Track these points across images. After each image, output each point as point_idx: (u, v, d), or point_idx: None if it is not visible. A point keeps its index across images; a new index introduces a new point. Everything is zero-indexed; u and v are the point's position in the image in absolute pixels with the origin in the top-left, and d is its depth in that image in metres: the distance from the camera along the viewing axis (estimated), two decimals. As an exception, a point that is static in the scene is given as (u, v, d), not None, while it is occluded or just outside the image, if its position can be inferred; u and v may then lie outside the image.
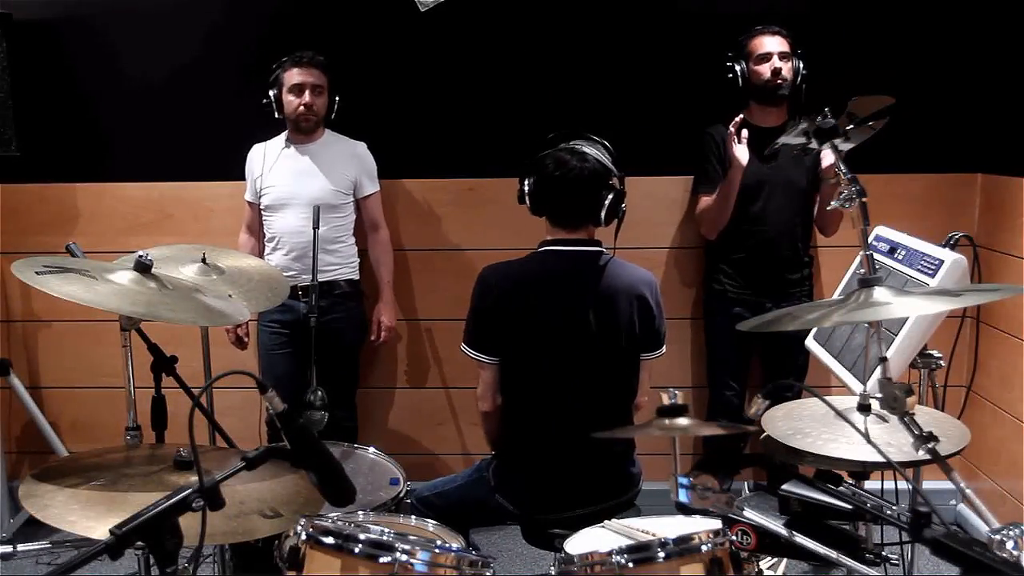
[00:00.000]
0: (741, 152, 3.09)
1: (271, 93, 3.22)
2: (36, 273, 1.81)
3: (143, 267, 1.94)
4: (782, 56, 3.15)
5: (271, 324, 3.28)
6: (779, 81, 3.15)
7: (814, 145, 1.98)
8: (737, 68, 3.22)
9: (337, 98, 3.28)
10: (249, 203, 3.37)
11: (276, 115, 3.22)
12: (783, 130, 3.06)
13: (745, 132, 3.09)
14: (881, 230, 2.55)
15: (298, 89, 3.16)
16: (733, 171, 3.12)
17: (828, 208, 2.79)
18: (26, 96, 3.48)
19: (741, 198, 3.20)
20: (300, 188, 3.22)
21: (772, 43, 3.16)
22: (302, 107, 3.17)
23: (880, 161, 2.99)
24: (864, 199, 1.84)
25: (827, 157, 2.83)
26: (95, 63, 3.55)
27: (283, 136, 3.32)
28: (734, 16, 3.32)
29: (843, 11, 3.43)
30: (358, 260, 3.40)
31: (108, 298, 1.83)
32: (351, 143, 3.34)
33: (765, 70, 3.15)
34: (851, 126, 1.98)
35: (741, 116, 3.10)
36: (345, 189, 3.29)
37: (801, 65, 3.18)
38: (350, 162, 3.30)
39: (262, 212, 3.31)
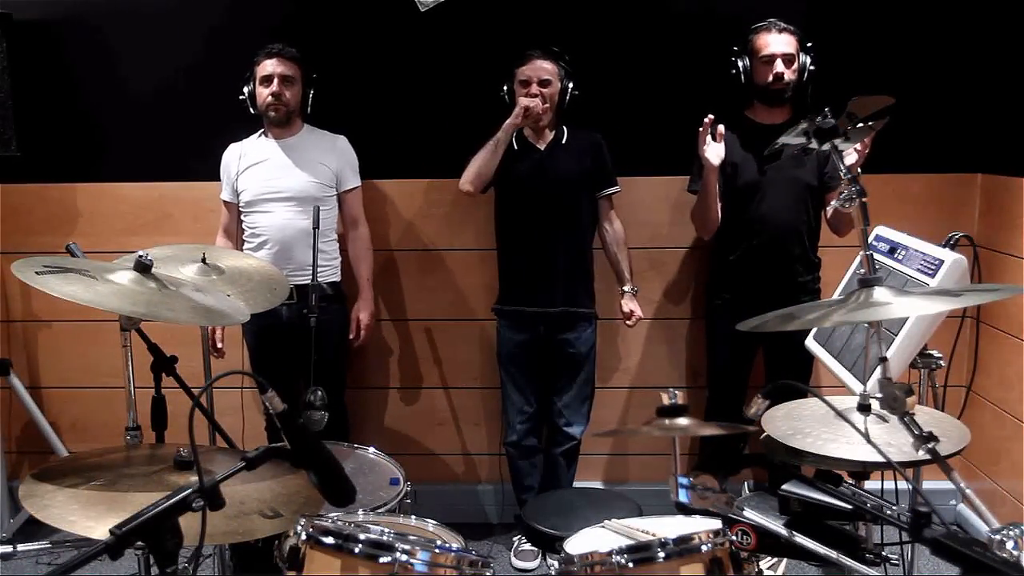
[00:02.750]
0: (711, 153, 3.06)
1: (246, 89, 3.21)
2: (36, 273, 1.81)
3: (143, 267, 1.94)
4: (787, 59, 3.11)
5: (252, 328, 3.23)
6: (780, 86, 3.12)
7: (814, 145, 1.98)
8: (740, 64, 3.19)
9: (312, 91, 3.27)
10: (227, 203, 3.33)
11: (251, 110, 3.21)
12: (785, 127, 3.07)
13: (721, 128, 3.06)
14: (881, 230, 2.55)
15: (267, 80, 3.16)
16: (706, 173, 3.10)
17: (832, 208, 2.77)
18: (26, 96, 3.49)
19: (742, 198, 3.18)
20: (280, 183, 3.19)
21: (778, 43, 3.11)
22: (270, 97, 3.16)
23: (880, 161, 2.98)
24: (864, 199, 1.84)
25: (850, 156, 2.76)
26: (95, 63, 3.55)
27: (259, 133, 3.30)
28: (734, 16, 3.32)
29: (843, 11, 3.43)
30: (340, 259, 3.36)
31: (108, 298, 1.83)
32: (331, 136, 3.31)
33: (767, 72, 3.12)
34: (851, 126, 1.98)
35: (711, 117, 3.04)
36: (327, 182, 3.24)
37: (808, 62, 3.15)
38: (330, 155, 3.26)
39: (241, 211, 3.27)
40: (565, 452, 3.38)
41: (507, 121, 3.13)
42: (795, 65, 3.13)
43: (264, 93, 3.17)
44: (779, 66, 3.11)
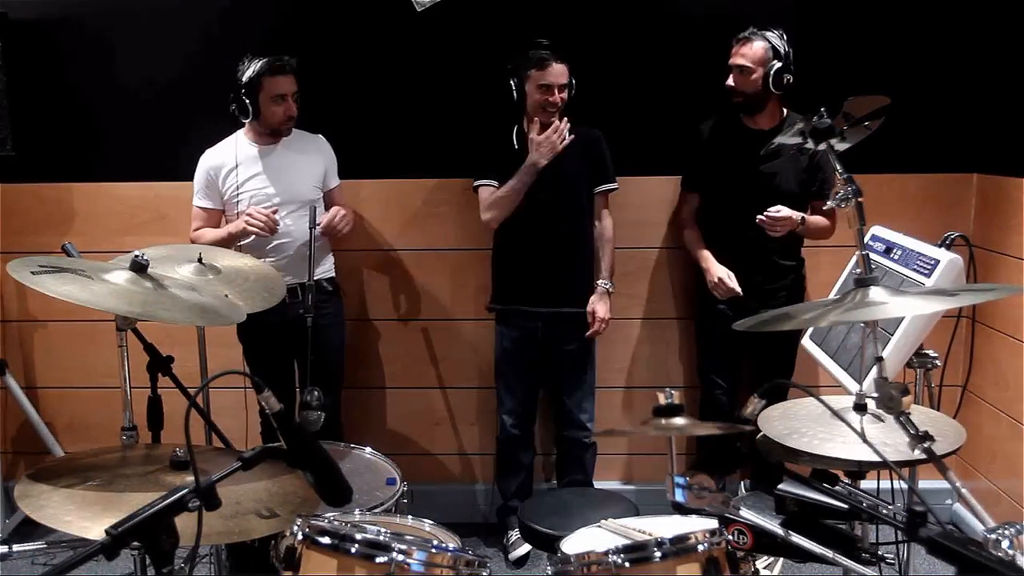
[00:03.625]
0: (718, 287, 3.21)
1: (246, 99, 3.11)
2: (32, 273, 1.81)
3: (139, 267, 1.94)
4: (742, 69, 3.14)
5: (250, 328, 3.22)
6: (736, 99, 3.18)
7: (810, 145, 1.99)
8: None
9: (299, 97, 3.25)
10: (208, 210, 3.24)
11: (245, 119, 3.15)
12: (775, 132, 3.09)
13: (738, 290, 3.16)
14: (877, 230, 2.55)
15: (281, 99, 3.13)
16: (703, 265, 3.27)
17: (824, 207, 2.77)
18: (22, 96, 3.48)
19: (732, 199, 3.21)
20: (282, 187, 3.18)
21: (738, 53, 3.15)
22: (287, 117, 3.16)
23: (876, 161, 2.99)
24: (860, 199, 1.84)
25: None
26: (91, 62, 3.54)
27: (241, 137, 3.24)
28: (731, 16, 3.32)
29: (839, 10, 3.43)
30: (332, 259, 3.39)
31: (104, 298, 1.83)
32: (312, 137, 3.32)
33: (729, 80, 3.18)
34: (847, 126, 1.98)
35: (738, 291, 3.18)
36: (318, 183, 3.28)
37: (778, 67, 3.11)
38: (316, 156, 3.29)
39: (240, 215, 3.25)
40: (582, 450, 3.41)
41: (532, 159, 3.15)
42: (755, 75, 3.12)
43: (279, 113, 3.14)
44: (733, 78, 3.16)
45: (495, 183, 3.27)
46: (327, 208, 3.31)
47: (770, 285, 3.26)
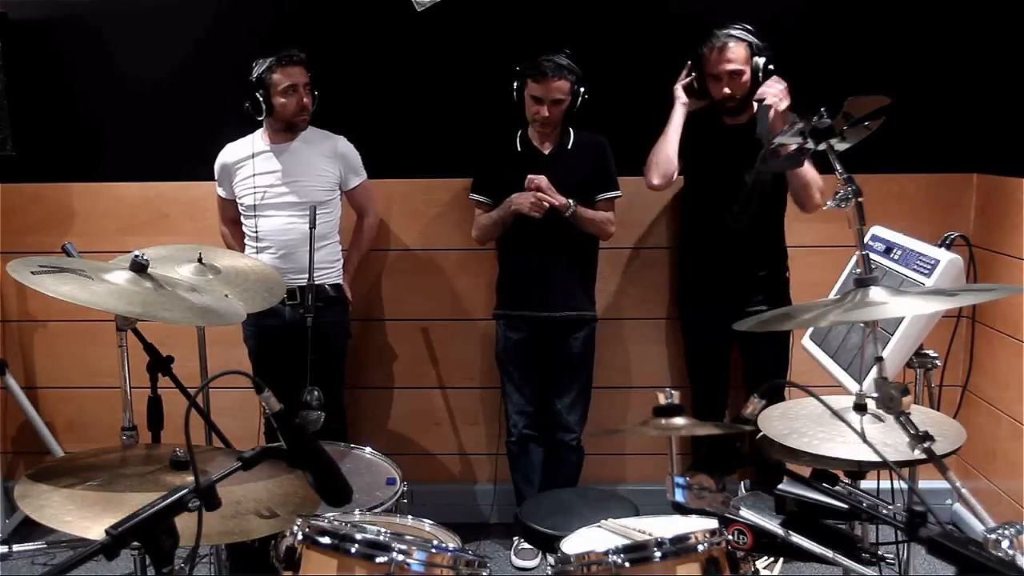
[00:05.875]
0: (681, 94, 3.22)
1: (258, 95, 3.14)
2: (32, 273, 1.81)
3: (139, 267, 1.94)
4: (732, 75, 3.10)
5: (253, 330, 3.28)
6: (731, 104, 3.15)
7: (810, 145, 1.98)
8: (695, 76, 3.23)
9: (316, 92, 3.25)
10: (225, 199, 3.34)
11: (259, 117, 3.17)
12: (750, 126, 3.07)
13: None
14: (877, 230, 2.55)
15: (292, 90, 3.14)
16: (676, 107, 3.23)
17: (824, 207, 2.77)
18: (22, 95, 3.48)
19: (709, 195, 3.22)
20: (286, 189, 3.19)
21: (724, 59, 3.08)
22: (299, 108, 3.16)
23: (876, 161, 2.98)
24: (860, 199, 1.84)
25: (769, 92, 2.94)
26: (91, 62, 3.55)
27: (258, 136, 3.27)
28: (728, 16, 3.30)
29: (838, 9, 3.43)
30: (341, 261, 3.38)
31: (104, 298, 1.83)
32: (332, 139, 3.31)
33: (716, 89, 3.14)
34: (847, 126, 1.98)
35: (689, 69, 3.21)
36: (330, 187, 3.27)
37: (763, 63, 3.08)
38: (332, 160, 3.27)
39: (242, 213, 3.28)
40: (568, 452, 3.40)
41: (514, 207, 3.16)
42: (745, 76, 3.10)
43: (291, 105, 3.15)
44: (725, 87, 3.11)
45: (487, 200, 3.31)
46: (354, 206, 3.38)
47: (751, 274, 3.23)
